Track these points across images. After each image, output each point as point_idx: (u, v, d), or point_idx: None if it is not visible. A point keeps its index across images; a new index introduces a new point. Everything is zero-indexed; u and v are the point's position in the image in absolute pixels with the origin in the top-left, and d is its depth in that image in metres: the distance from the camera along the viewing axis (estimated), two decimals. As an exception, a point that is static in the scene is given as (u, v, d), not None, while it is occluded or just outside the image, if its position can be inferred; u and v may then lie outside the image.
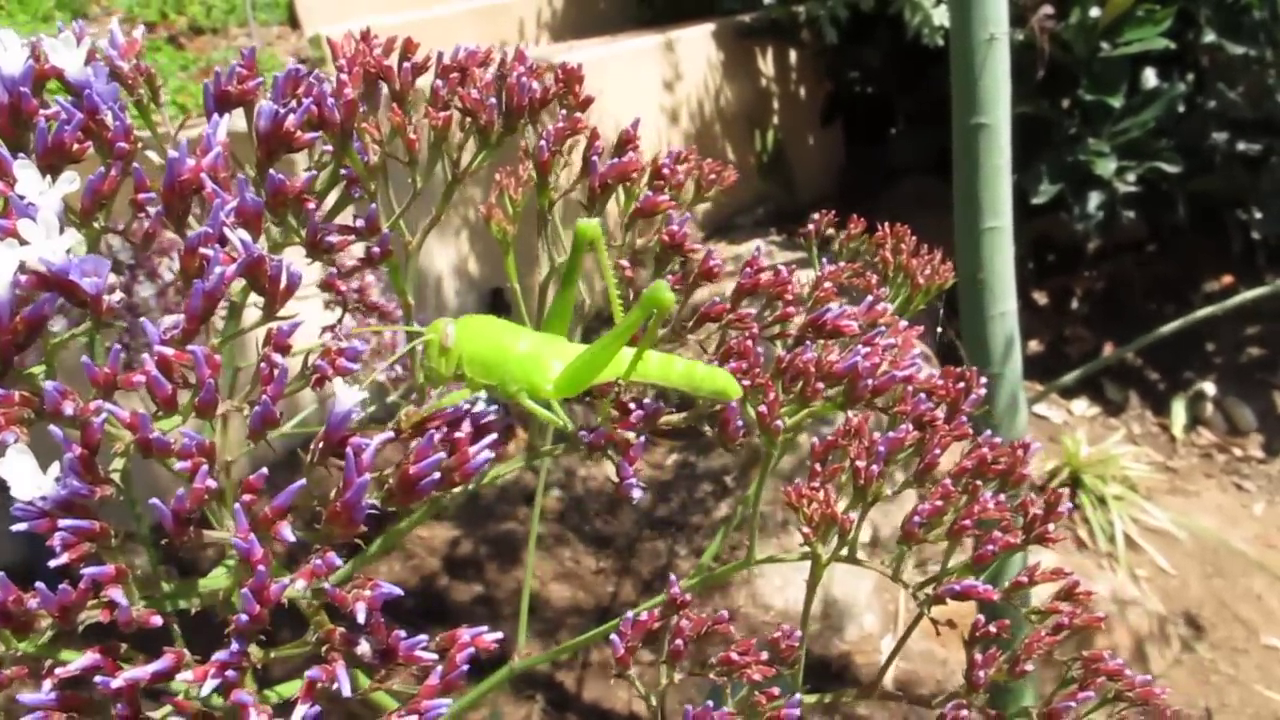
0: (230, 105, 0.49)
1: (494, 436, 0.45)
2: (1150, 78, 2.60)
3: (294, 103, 0.48)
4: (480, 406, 0.48)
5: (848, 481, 0.54)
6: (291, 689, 0.39)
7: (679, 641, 0.50)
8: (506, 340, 0.50)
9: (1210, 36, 2.54)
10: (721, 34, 3.00)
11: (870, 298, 0.59)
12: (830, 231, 0.72)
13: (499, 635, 0.41)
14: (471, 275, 2.38)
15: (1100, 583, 2.06)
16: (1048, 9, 2.45)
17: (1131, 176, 2.55)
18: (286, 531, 0.38)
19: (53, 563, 0.36)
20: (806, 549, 0.54)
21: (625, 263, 0.56)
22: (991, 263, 1.44)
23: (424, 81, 0.54)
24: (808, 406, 0.54)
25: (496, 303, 2.41)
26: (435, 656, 0.39)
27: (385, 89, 0.54)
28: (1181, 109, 2.59)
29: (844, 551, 0.54)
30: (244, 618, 0.37)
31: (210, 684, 0.36)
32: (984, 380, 0.60)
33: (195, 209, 0.46)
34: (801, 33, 3.03)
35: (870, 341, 0.55)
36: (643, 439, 0.51)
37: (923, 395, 0.57)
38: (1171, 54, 2.54)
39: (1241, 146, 2.65)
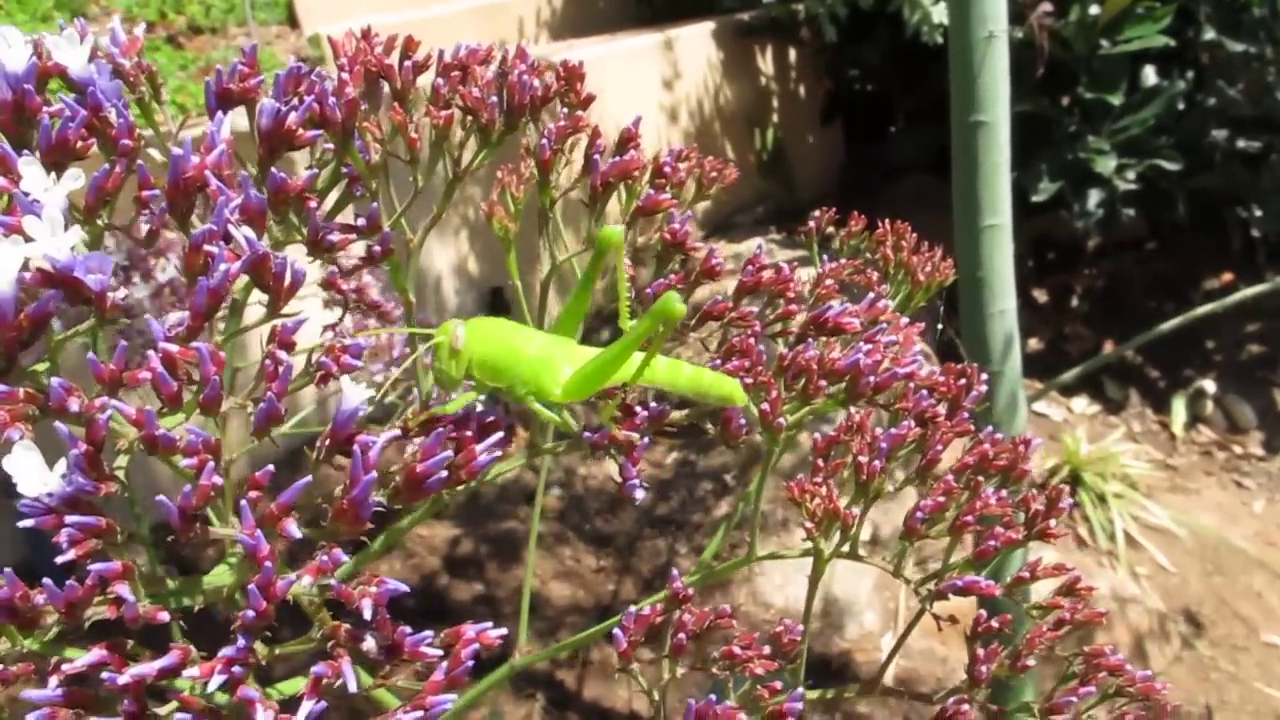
0: (232, 103, 0.49)
1: (500, 435, 0.45)
2: (1150, 75, 2.61)
3: (295, 101, 0.48)
4: (480, 406, 0.48)
5: (850, 478, 0.55)
6: (293, 687, 0.39)
7: (681, 636, 0.50)
8: (517, 343, 0.50)
9: (1210, 34, 2.54)
10: (721, 32, 3.00)
11: (871, 295, 0.59)
12: (830, 229, 0.72)
13: (503, 631, 0.41)
14: (471, 274, 2.38)
15: (1100, 580, 2.06)
16: (1047, 6, 2.45)
17: (1131, 174, 2.55)
18: (292, 528, 0.38)
19: (59, 559, 0.37)
20: (808, 545, 0.54)
21: (627, 261, 0.56)
22: (991, 260, 1.45)
23: (425, 80, 0.54)
24: (810, 404, 0.54)
25: (496, 302, 2.41)
26: (440, 652, 0.40)
27: (386, 87, 0.54)
28: (1181, 106, 2.60)
29: (846, 548, 0.55)
30: (250, 614, 0.37)
31: (216, 680, 0.36)
32: (984, 378, 0.60)
33: (198, 207, 0.46)
34: (801, 31, 3.03)
35: (872, 339, 0.56)
36: (646, 440, 0.51)
37: (924, 392, 0.57)
38: (1171, 51, 2.54)
39: (1241, 144, 2.65)
